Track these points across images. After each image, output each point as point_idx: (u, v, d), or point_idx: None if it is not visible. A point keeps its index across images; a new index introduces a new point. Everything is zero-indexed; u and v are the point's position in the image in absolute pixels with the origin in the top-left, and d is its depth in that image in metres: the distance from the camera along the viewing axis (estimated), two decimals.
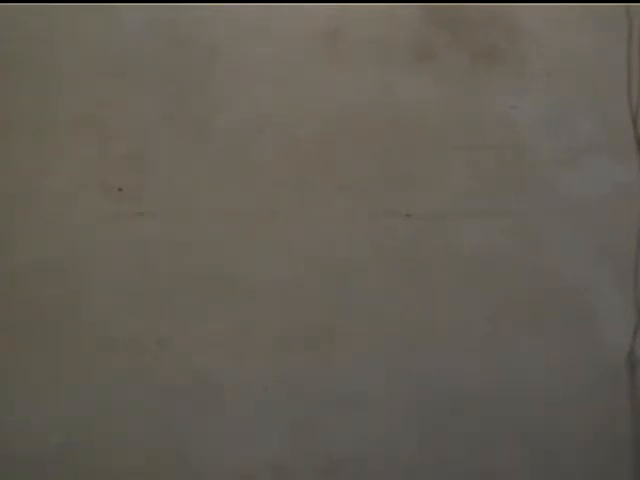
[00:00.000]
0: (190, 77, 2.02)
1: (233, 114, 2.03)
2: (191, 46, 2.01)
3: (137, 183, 2.02)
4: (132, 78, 1.99)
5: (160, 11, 1.98)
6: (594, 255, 2.18)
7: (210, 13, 2.00)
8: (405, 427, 2.12)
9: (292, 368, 2.10)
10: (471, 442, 2.14)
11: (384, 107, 2.12)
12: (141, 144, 2.01)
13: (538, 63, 2.07)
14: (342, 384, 2.12)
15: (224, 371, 2.08)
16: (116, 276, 2.03)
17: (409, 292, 2.14)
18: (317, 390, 2.11)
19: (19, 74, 1.97)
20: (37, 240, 2.00)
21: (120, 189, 2.02)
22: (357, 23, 2.02)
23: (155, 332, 2.05)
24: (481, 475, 2.14)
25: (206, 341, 2.08)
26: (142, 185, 2.02)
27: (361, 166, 2.11)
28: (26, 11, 1.94)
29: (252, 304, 2.08)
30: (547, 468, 2.16)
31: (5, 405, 2.01)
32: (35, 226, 2.00)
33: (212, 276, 2.07)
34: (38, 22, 1.96)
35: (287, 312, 2.10)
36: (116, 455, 2.06)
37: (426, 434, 2.13)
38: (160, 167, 2.02)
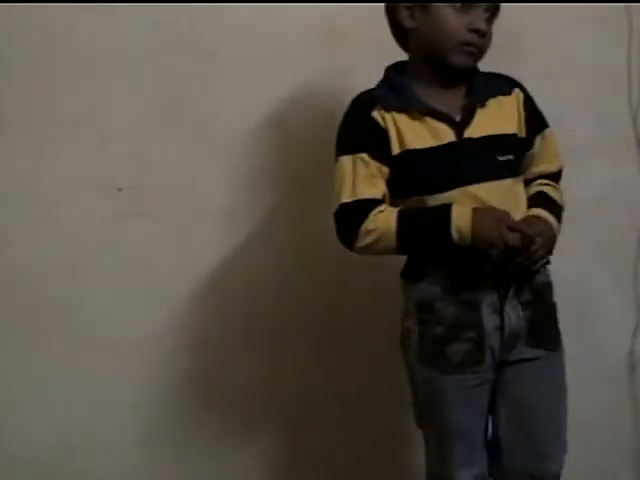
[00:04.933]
0: (190, 77, 2.02)
1: (233, 114, 2.03)
2: (191, 46, 2.00)
3: (137, 183, 2.02)
4: (132, 78, 1.99)
5: (160, 11, 1.98)
6: (594, 255, 2.18)
7: (210, 13, 1.99)
8: (404, 426, 2.12)
9: (292, 368, 2.11)
10: None
11: None
12: (141, 144, 2.01)
13: (538, 63, 2.07)
14: (341, 384, 2.12)
15: (224, 371, 2.08)
16: (116, 276, 2.03)
17: None
18: (317, 390, 2.11)
19: (18, 74, 1.97)
20: (37, 240, 2.00)
21: (120, 189, 2.02)
22: (357, 23, 2.02)
23: (154, 332, 2.05)
24: None
25: (206, 340, 2.08)
26: (142, 185, 2.02)
27: None
28: (26, 10, 1.94)
29: (252, 303, 2.08)
30: None
31: (5, 405, 2.02)
32: (35, 226, 2.00)
33: (212, 276, 2.07)
34: (37, 21, 1.95)
35: (287, 311, 2.10)
36: (116, 455, 2.06)
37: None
38: (160, 167, 2.02)
